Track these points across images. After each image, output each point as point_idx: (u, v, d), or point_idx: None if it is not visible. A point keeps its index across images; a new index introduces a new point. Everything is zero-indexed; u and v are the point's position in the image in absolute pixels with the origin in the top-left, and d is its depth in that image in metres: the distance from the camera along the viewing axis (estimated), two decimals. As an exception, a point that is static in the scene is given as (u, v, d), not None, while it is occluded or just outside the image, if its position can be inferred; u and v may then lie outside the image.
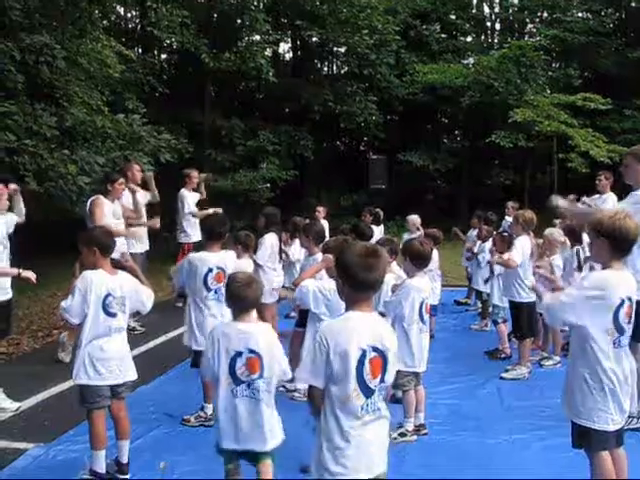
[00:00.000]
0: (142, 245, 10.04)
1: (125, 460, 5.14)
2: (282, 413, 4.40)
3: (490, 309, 9.47)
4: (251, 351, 4.19)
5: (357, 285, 3.40)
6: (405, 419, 5.96)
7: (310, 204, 14.32)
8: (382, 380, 3.39)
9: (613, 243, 4.05)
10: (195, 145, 17.74)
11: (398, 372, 5.84)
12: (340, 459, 3.34)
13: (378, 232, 11.72)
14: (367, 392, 3.34)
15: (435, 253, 9.45)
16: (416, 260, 5.94)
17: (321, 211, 12.59)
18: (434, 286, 8.89)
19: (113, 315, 4.95)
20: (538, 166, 25.21)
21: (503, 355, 8.59)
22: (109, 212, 8.46)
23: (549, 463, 5.27)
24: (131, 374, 5.12)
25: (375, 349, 3.36)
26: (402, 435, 5.88)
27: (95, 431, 4.95)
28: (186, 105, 19.97)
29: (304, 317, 6.37)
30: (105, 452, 4.99)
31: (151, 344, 9.10)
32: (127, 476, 5.16)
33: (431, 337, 8.78)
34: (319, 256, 6.68)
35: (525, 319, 7.85)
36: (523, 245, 7.77)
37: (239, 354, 4.20)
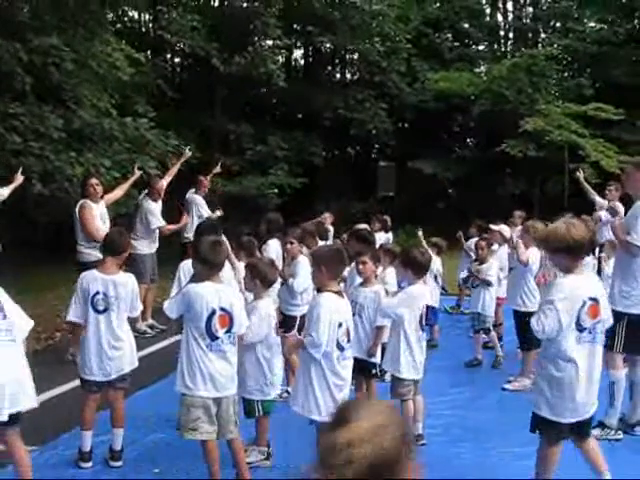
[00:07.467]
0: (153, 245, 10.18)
1: (117, 448, 5.39)
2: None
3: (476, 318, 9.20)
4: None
5: (208, 264, 4.77)
6: (403, 429, 5.87)
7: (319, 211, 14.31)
8: (229, 330, 4.73)
9: None
10: (204, 149, 17.69)
11: (398, 381, 5.81)
12: (193, 379, 4.71)
13: (386, 239, 11.69)
14: (212, 337, 4.68)
15: (438, 260, 9.45)
16: (415, 268, 5.89)
17: (327, 217, 12.54)
18: (434, 292, 8.85)
19: (101, 312, 5.25)
20: (549, 176, 24.99)
21: (475, 362, 8.57)
22: (98, 215, 8.53)
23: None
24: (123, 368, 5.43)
25: (223, 309, 4.69)
26: (400, 445, 5.78)
27: (81, 413, 5.36)
28: (196, 109, 19.90)
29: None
30: (90, 433, 5.35)
31: (152, 348, 9.06)
32: (119, 463, 5.36)
33: (434, 346, 8.75)
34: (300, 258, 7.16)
35: (531, 330, 7.74)
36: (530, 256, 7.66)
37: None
